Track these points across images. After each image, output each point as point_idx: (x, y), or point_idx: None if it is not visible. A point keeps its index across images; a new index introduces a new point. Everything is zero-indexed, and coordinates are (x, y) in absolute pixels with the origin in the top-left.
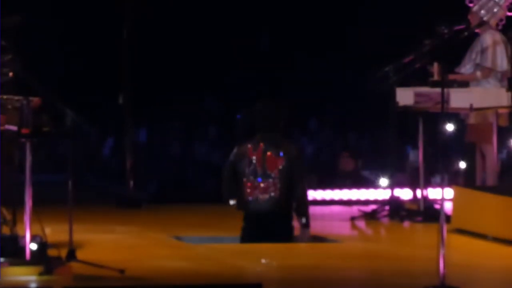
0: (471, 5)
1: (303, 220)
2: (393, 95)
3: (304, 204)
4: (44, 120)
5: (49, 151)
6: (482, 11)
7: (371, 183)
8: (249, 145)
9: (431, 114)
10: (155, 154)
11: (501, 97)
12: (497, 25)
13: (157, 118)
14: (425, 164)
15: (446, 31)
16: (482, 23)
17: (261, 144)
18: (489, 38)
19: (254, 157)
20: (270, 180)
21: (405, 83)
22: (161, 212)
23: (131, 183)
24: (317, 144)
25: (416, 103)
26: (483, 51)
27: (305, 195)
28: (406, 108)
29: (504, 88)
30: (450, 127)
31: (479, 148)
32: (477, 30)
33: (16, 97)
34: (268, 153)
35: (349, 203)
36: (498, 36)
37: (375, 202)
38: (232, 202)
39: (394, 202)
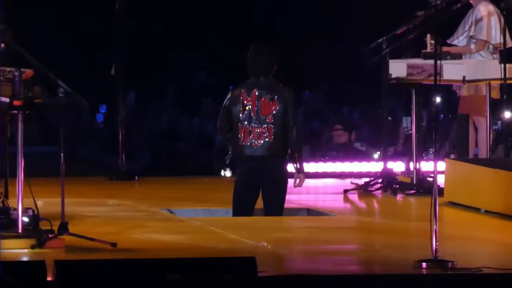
0: None
1: (297, 165)
2: (386, 67)
3: (298, 149)
4: (36, 91)
5: (41, 123)
6: None
7: (364, 156)
8: (243, 90)
9: (424, 86)
10: (147, 125)
11: (494, 70)
12: None
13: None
14: (418, 136)
15: (439, 2)
16: None
17: (255, 90)
18: (483, 9)
19: (248, 103)
20: (265, 125)
21: (398, 55)
22: (153, 184)
23: (123, 155)
24: (310, 116)
25: (409, 75)
26: (477, 22)
27: (299, 140)
28: (399, 80)
29: (497, 60)
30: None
31: (471, 120)
32: (470, 1)
33: (8, 69)
34: (262, 98)
35: (342, 175)
36: (492, 8)
37: (368, 175)
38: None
39: (386, 175)
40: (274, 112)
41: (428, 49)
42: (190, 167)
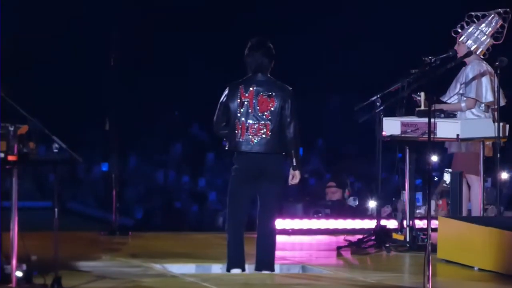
0: (457, 35)
1: (293, 161)
2: (380, 125)
3: (295, 146)
4: (31, 147)
5: (35, 178)
6: (469, 41)
7: (357, 212)
8: (240, 86)
9: (418, 143)
10: (141, 181)
11: (487, 128)
12: (484, 54)
13: (142, 147)
14: (411, 194)
15: (432, 60)
16: (468, 53)
17: (253, 86)
18: (475, 69)
19: (246, 99)
20: (262, 121)
21: (392, 112)
22: (147, 239)
23: (117, 210)
24: (304, 173)
25: (403, 132)
26: (467, 82)
27: (296, 136)
28: (393, 137)
29: (490, 118)
30: (435, 158)
31: (464, 178)
32: (464, 60)
33: (3, 124)
34: (260, 94)
35: (335, 232)
36: (484, 67)
37: (361, 231)
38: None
39: (380, 232)
40: (271, 108)
41: (422, 107)
42: (184, 222)
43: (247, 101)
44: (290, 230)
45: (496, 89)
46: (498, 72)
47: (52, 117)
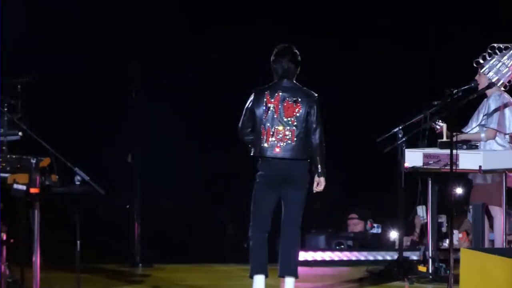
0: (478, 66)
1: (318, 168)
2: (402, 156)
3: (321, 152)
4: (54, 179)
5: (58, 210)
6: (490, 73)
7: (379, 241)
8: (266, 92)
9: (440, 175)
10: (164, 214)
11: (509, 159)
12: (505, 86)
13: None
14: (433, 225)
15: (454, 92)
16: (490, 85)
17: (279, 92)
18: (498, 100)
19: (271, 105)
20: (288, 127)
21: (414, 144)
22: (170, 272)
23: (140, 242)
24: (326, 204)
25: (425, 164)
26: (490, 113)
27: (322, 142)
28: (415, 169)
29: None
30: (459, 190)
31: (487, 209)
32: (486, 92)
33: (25, 156)
34: (286, 100)
35: (357, 263)
36: (507, 98)
37: (383, 262)
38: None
39: (402, 263)
40: (297, 114)
41: (444, 138)
42: (205, 255)
43: (273, 107)
44: (313, 261)
45: None
46: None
47: (73, 149)
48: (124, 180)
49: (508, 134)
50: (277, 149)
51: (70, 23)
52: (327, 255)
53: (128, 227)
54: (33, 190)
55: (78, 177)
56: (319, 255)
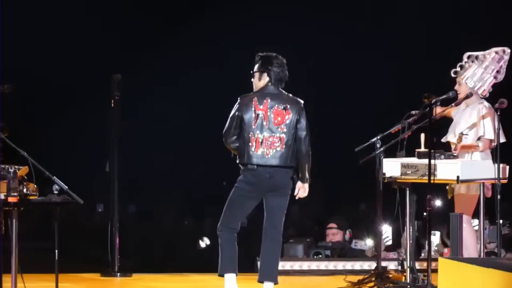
0: (456, 75)
1: (305, 175)
2: (380, 166)
3: (308, 159)
4: (32, 188)
5: (36, 219)
6: (472, 81)
7: (358, 253)
8: (254, 99)
9: (418, 185)
10: (142, 223)
11: (487, 170)
12: (485, 95)
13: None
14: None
15: (433, 101)
16: (469, 95)
17: (267, 99)
18: (484, 110)
19: (260, 112)
20: (277, 134)
21: (393, 154)
22: (148, 281)
23: (118, 251)
24: (305, 214)
25: (403, 174)
26: (481, 123)
27: (310, 150)
28: (393, 179)
29: (490, 159)
30: (438, 202)
31: (465, 219)
32: (465, 101)
33: (3, 165)
34: (275, 107)
35: (335, 273)
36: (486, 106)
37: (362, 272)
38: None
39: (380, 273)
40: (287, 121)
41: (422, 148)
42: (184, 263)
43: (262, 114)
44: (291, 270)
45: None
46: (498, 113)
47: (52, 159)
48: (102, 189)
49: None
50: (267, 157)
51: (50, 29)
52: (305, 265)
53: (107, 236)
54: (11, 199)
55: (56, 186)
56: (297, 264)
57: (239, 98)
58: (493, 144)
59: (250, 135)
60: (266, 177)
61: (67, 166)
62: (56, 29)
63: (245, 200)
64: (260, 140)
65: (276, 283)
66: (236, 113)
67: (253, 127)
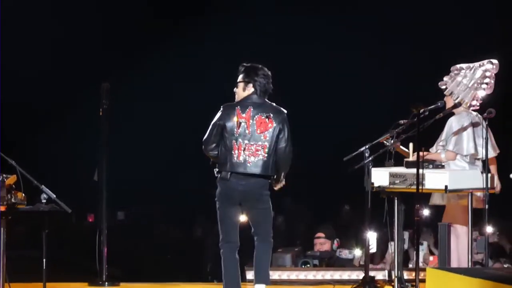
0: (443, 87)
1: (278, 178)
2: (368, 175)
3: (287, 170)
4: (20, 197)
5: (25, 227)
6: (454, 94)
7: (346, 263)
8: (237, 107)
9: (406, 194)
10: (131, 232)
11: (475, 179)
12: (472, 105)
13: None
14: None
15: (421, 112)
16: (456, 105)
17: (250, 108)
18: (459, 122)
19: (243, 120)
20: (259, 142)
21: (381, 163)
22: None
23: (106, 260)
24: (292, 222)
25: (391, 183)
26: (449, 135)
27: (290, 160)
28: (381, 188)
29: (478, 169)
30: (426, 211)
31: (453, 229)
32: (453, 111)
33: None
34: (258, 115)
35: (323, 283)
36: (469, 119)
37: (349, 282)
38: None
39: (368, 282)
40: (270, 129)
41: (410, 158)
42: (174, 272)
43: (244, 122)
44: (279, 280)
45: (484, 140)
46: (487, 123)
47: (40, 167)
48: (91, 198)
49: (467, 155)
50: (249, 165)
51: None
52: (294, 274)
53: (95, 245)
54: None
55: (44, 195)
56: (285, 274)
57: (221, 107)
58: (461, 155)
59: (232, 143)
60: (247, 185)
61: (55, 175)
62: (43, 37)
63: (229, 212)
64: (243, 148)
65: (268, 284)
66: (218, 121)
67: (236, 135)
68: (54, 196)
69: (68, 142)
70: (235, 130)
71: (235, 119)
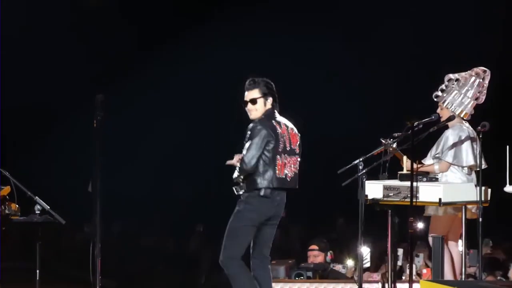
0: (437, 99)
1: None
2: (362, 188)
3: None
4: (14, 208)
5: (19, 238)
6: (453, 106)
7: (339, 275)
8: (274, 122)
9: (400, 207)
10: (126, 242)
11: (469, 192)
12: (468, 118)
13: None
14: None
15: (415, 124)
16: (451, 118)
17: (282, 122)
18: (456, 134)
19: (284, 134)
20: (294, 156)
21: (375, 176)
22: None
23: (100, 271)
24: (287, 234)
25: (385, 196)
26: (447, 146)
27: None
28: (375, 201)
29: (473, 182)
30: (420, 224)
31: (446, 241)
32: (447, 123)
33: None
34: (290, 129)
35: None
36: (466, 131)
37: None
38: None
39: None
40: (298, 142)
41: (404, 170)
42: (168, 284)
43: (284, 136)
44: None
45: (477, 152)
46: (480, 136)
47: (34, 178)
48: (85, 209)
49: (465, 166)
50: (289, 179)
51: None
52: (287, 286)
53: (88, 257)
54: None
55: (38, 206)
56: (279, 286)
57: (258, 124)
58: (458, 167)
59: (276, 158)
60: (281, 200)
61: (50, 186)
62: (38, 50)
63: (250, 230)
64: (284, 163)
65: None
66: (264, 138)
67: (280, 150)
68: (48, 207)
69: (62, 154)
70: (279, 145)
71: (278, 134)
